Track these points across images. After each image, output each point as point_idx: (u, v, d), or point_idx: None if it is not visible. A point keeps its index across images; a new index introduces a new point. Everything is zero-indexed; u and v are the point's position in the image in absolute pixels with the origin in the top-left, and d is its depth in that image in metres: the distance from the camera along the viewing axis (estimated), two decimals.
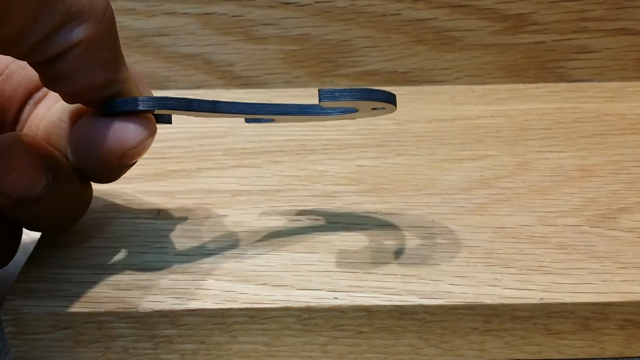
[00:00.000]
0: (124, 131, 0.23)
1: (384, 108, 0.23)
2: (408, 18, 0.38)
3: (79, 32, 0.21)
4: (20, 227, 0.26)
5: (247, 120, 0.25)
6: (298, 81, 0.39)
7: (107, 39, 0.22)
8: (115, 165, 0.23)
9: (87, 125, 0.23)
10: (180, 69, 0.39)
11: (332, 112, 0.24)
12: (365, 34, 0.38)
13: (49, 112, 0.25)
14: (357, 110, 0.23)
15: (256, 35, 0.38)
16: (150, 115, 0.24)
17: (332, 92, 0.21)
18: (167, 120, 0.25)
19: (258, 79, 0.39)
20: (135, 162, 0.24)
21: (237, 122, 0.32)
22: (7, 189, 0.22)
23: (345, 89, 0.21)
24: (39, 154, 0.23)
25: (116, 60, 0.22)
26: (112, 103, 0.23)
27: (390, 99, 0.22)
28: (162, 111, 0.24)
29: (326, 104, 0.22)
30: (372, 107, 0.23)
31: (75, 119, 0.24)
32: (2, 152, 0.23)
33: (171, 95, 0.23)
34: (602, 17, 0.37)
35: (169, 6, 0.37)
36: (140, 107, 0.23)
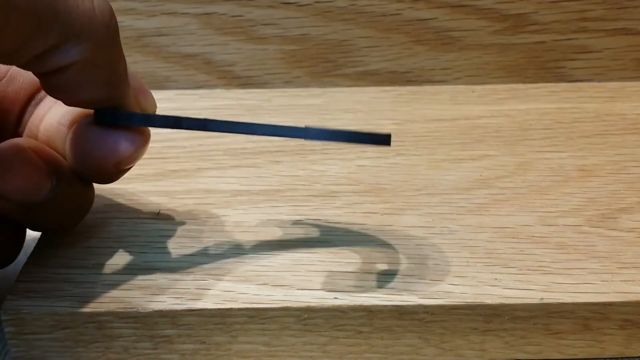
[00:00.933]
0: (117, 143, 0.23)
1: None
2: (408, 18, 0.38)
3: (75, 53, 0.20)
4: (24, 227, 0.26)
5: None
6: (298, 81, 0.39)
7: (107, 58, 0.21)
8: (111, 172, 0.24)
9: (82, 133, 0.24)
10: (180, 69, 0.39)
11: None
12: (365, 34, 0.38)
13: (48, 115, 0.25)
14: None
15: (256, 35, 0.38)
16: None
17: (318, 132, 0.21)
18: None
19: (258, 79, 0.39)
20: (133, 165, 0.24)
21: None
22: (13, 195, 0.23)
23: (332, 132, 0.21)
24: (44, 160, 0.23)
25: (116, 78, 0.22)
26: (104, 115, 0.23)
27: (380, 141, 0.22)
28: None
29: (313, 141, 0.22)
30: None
31: (74, 123, 0.24)
32: (7, 159, 0.23)
33: (162, 114, 0.24)
34: (602, 17, 0.37)
35: (169, 6, 0.37)
36: (131, 124, 0.23)
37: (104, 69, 0.22)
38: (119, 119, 0.23)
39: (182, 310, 0.23)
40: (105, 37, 0.21)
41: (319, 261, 0.25)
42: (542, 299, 0.23)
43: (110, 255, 0.26)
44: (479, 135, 0.33)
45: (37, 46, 0.20)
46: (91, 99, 0.22)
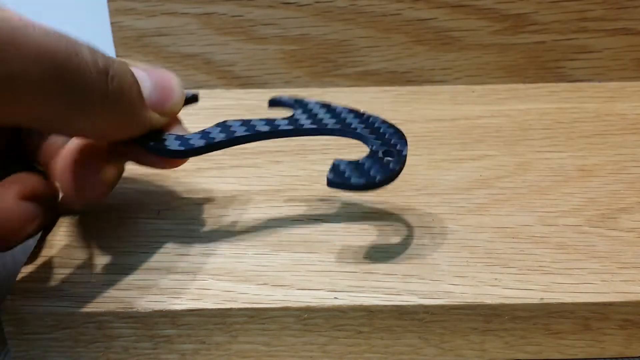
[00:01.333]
0: (153, 164, 0.25)
1: None
2: (408, 18, 0.38)
3: (85, 121, 0.21)
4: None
5: None
6: (298, 81, 0.39)
7: (116, 114, 0.22)
8: None
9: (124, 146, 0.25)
10: (180, 69, 0.39)
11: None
12: (365, 34, 0.38)
13: None
14: None
15: (256, 35, 0.38)
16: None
17: (338, 185, 0.23)
18: (195, 99, 0.27)
19: (258, 79, 0.39)
20: None
21: None
22: (79, 201, 0.24)
23: (352, 184, 0.23)
24: (96, 158, 0.24)
25: (132, 121, 0.23)
26: (145, 144, 0.24)
27: (391, 180, 0.24)
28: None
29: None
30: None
31: None
32: (72, 167, 0.24)
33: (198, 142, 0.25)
34: (602, 17, 0.37)
35: (169, 6, 0.37)
36: (162, 155, 0.25)
37: (118, 123, 0.22)
38: (151, 150, 0.24)
39: (182, 310, 0.23)
40: (111, 98, 0.21)
41: (319, 261, 0.25)
42: (542, 299, 0.23)
43: (110, 255, 0.26)
44: (479, 135, 0.33)
45: (45, 118, 0.21)
46: (116, 141, 0.24)
